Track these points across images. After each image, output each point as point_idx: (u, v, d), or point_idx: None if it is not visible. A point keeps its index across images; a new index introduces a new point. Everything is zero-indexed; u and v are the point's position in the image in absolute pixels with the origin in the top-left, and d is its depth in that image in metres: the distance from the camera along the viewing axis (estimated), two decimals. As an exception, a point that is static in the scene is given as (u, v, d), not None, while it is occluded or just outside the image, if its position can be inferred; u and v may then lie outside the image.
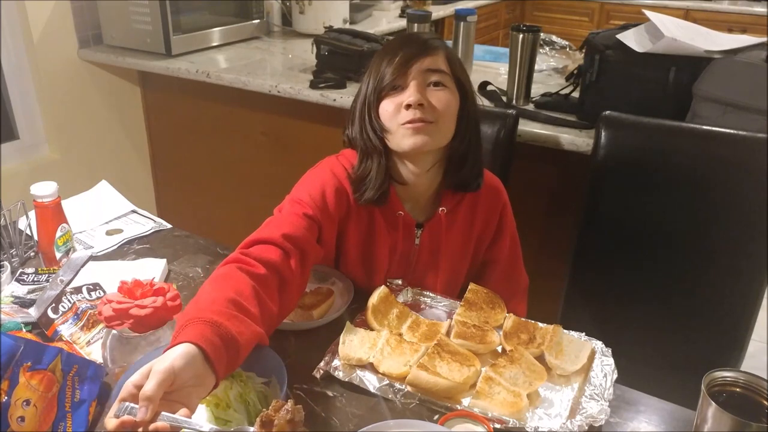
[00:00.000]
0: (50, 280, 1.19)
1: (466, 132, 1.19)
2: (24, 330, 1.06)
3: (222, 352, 0.83)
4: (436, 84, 1.13)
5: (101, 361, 0.98)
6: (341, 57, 2.03)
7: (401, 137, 1.13)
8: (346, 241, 1.24)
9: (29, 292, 1.20)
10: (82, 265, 1.21)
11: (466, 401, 0.95)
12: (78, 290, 1.14)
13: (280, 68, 2.29)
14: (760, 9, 3.85)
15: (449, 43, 1.79)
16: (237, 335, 0.85)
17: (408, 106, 1.11)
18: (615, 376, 0.99)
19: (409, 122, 1.11)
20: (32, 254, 1.36)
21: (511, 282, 1.37)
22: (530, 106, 1.84)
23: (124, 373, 0.89)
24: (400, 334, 1.09)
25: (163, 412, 0.74)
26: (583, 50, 1.75)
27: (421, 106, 1.10)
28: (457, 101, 1.16)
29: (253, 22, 2.63)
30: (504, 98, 1.85)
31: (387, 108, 1.13)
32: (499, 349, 1.07)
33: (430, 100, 1.12)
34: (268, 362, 0.93)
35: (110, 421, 0.74)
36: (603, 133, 1.46)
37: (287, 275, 1.03)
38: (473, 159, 1.22)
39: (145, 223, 1.51)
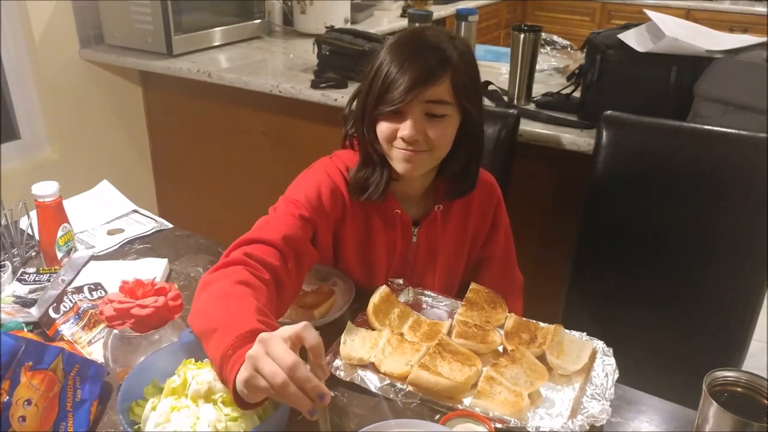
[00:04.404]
0: (51, 280, 1.20)
1: (464, 150, 1.17)
2: (25, 330, 1.06)
3: None
4: (436, 115, 1.10)
5: (102, 360, 0.98)
6: (342, 57, 2.03)
7: (393, 159, 1.14)
8: (343, 241, 1.23)
9: (30, 292, 1.20)
10: (84, 265, 1.22)
11: (467, 401, 0.95)
12: (79, 290, 1.14)
13: (281, 68, 2.29)
14: (761, 9, 3.85)
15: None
16: None
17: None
18: (616, 375, 0.99)
19: (402, 149, 1.11)
20: (33, 254, 1.36)
21: (505, 280, 1.37)
22: (531, 106, 1.83)
23: (127, 374, 0.89)
24: (402, 334, 1.09)
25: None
26: (585, 50, 1.75)
27: (416, 141, 1.09)
28: (457, 124, 1.13)
29: (255, 21, 2.63)
30: (505, 98, 1.85)
31: (383, 130, 1.12)
32: (501, 348, 1.07)
33: (427, 132, 1.09)
34: None
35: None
36: (604, 133, 1.46)
37: (284, 279, 1.03)
38: (473, 171, 1.21)
39: (146, 223, 1.51)
